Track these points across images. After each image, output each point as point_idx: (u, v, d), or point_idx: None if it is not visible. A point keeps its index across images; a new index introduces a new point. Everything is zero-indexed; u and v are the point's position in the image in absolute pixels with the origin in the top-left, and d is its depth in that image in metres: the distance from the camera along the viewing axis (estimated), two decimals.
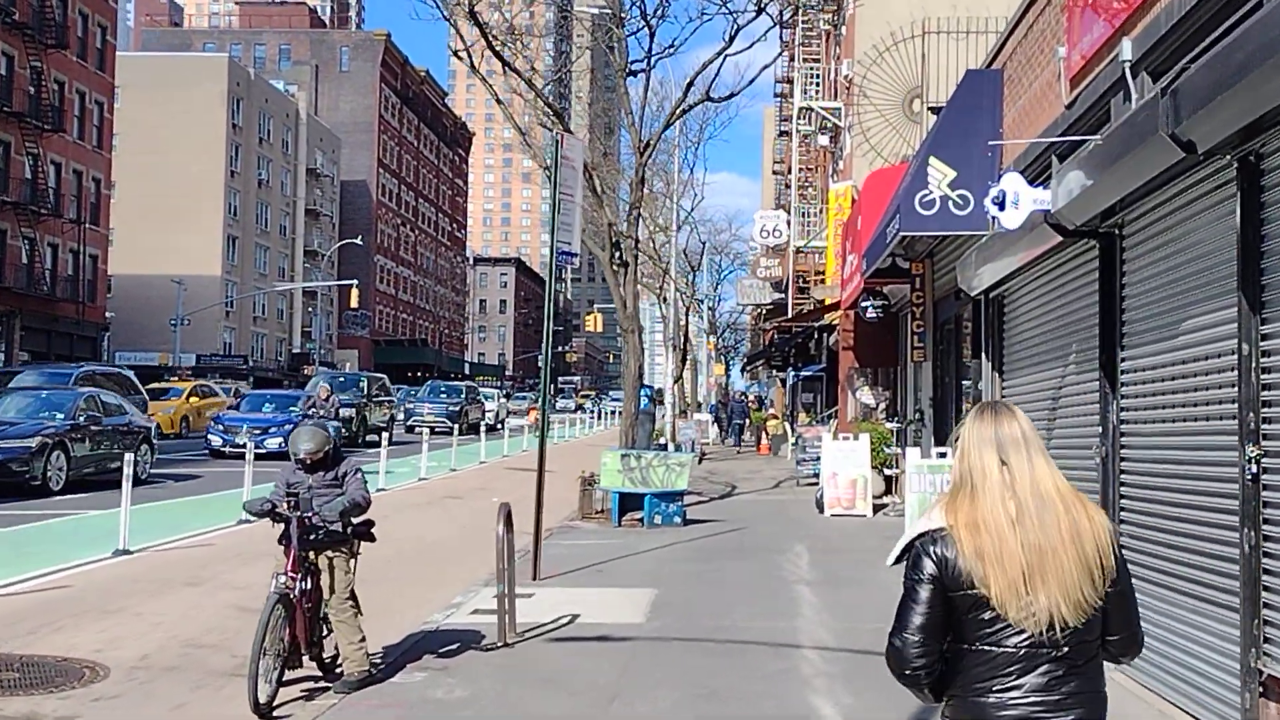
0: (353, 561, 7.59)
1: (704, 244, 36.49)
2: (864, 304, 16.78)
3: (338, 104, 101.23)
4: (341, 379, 36.43)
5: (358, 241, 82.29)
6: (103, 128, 59.81)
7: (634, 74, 17.23)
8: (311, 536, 7.31)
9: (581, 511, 16.34)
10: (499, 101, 16.67)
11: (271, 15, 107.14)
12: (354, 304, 59.65)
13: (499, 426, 50.73)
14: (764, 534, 15.18)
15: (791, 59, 39.49)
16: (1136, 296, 7.66)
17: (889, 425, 17.77)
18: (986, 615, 2.80)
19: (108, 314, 60.25)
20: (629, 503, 15.94)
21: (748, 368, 61.96)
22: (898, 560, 2.97)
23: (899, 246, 15.01)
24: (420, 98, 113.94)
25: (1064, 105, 9.45)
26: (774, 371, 53.94)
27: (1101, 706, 2.88)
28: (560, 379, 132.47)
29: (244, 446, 26.09)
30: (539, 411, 11.62)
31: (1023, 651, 2.78)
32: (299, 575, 7.20)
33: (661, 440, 24.93)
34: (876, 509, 17.49)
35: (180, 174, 73.22)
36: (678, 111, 17.23)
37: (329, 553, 7.42)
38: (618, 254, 17.12)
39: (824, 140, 34.78)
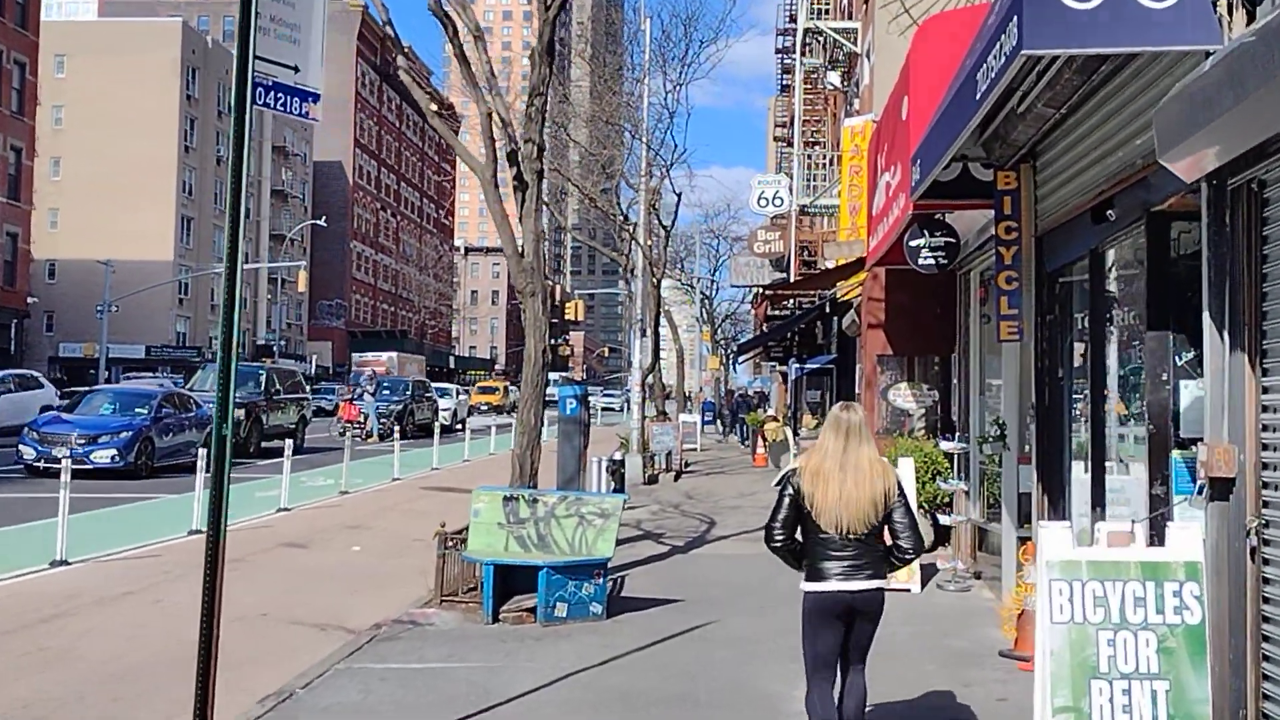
0: None
1: (679, 195, 29.75)
2: (913, 243, 10.14)
3: None
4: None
5: (321, 222, 75.68)
6: (24, 91, 53.46)
7: None
8: None
9: (440, 592, 9.83)
10: None
11: None
12: (301, 288, 53.18)
13: (458, 428, 44.47)
14: (742, 642, 8.72)
15: None
16: None
17: (942, 446, 11.27)
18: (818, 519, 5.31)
19: (30, 299, 53.90)
20: (517, 580, 9.54)
21: (741, 360, 55.45)
22: (777, 484, 5.41)
23: (975, 143, 8.52)
24: None
25: None
26: (775, 365, 47.45)
27: (884, 566, 5.33)
28: (370, 355, 68.08)
29: (62, 462, 20.02)
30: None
31: (838, 539, 5.23)
32: None
33: (619, 455, 18.48)
34: (925, 576, 11.17)
35: (130, 149, 67.01)
36: None
37: None
38: (514, 170, 10.72)
39: (834, 79, 28.31)
